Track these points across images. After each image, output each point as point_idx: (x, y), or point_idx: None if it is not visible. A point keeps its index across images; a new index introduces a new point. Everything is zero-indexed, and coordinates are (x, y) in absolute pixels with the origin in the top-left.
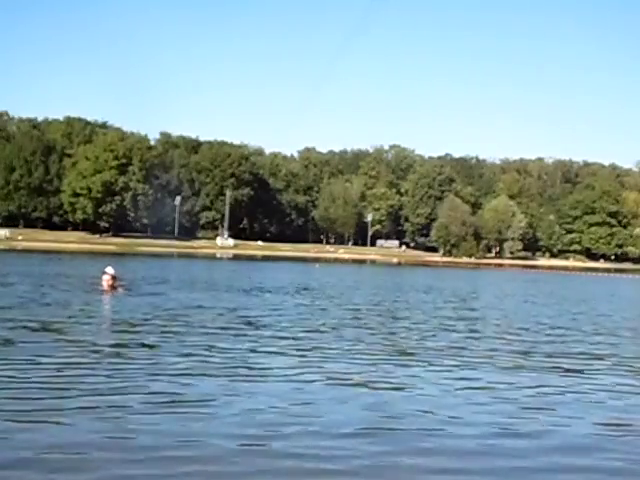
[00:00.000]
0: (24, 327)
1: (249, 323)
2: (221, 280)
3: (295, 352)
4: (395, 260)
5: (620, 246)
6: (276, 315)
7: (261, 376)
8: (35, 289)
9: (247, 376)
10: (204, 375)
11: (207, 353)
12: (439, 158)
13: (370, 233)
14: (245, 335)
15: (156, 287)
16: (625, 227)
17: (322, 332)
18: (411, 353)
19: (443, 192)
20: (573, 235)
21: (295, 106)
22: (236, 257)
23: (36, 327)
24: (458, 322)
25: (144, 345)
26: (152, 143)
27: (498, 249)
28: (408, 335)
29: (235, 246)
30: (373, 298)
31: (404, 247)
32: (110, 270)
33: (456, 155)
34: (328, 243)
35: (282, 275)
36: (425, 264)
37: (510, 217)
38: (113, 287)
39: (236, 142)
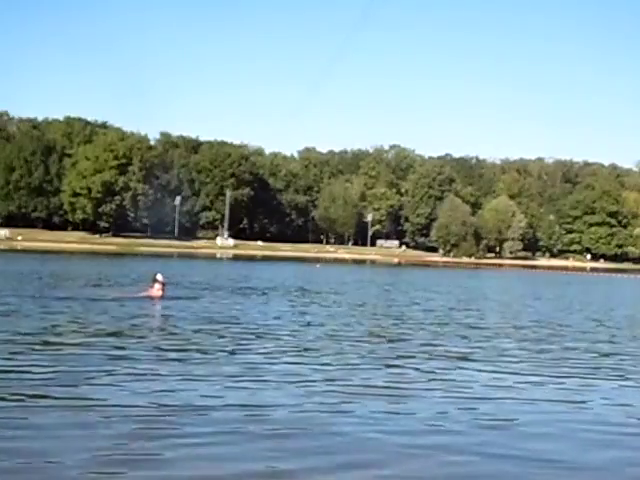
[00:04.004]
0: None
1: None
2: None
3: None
4: (395, 260)
5: (620, 246)
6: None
7: None
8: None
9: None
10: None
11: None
12: (439, 158)
13: (370, 233)
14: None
15: (192, 291)
16: (625, 227)
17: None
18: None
19: (443, 192)
20: (573, 235)
21: (295, 106)
22: (236, 257)
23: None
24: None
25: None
26: (152, 143)
27: (498, 249)
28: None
29: (235, 246)
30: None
31: (404, 247)
32: (160, 277)
33: (456, 155)
34: (328, 243)
35: (307, 276)
36: (425, 264)
37: (510, 217)
38: (162, 296)
39: (236, 142)
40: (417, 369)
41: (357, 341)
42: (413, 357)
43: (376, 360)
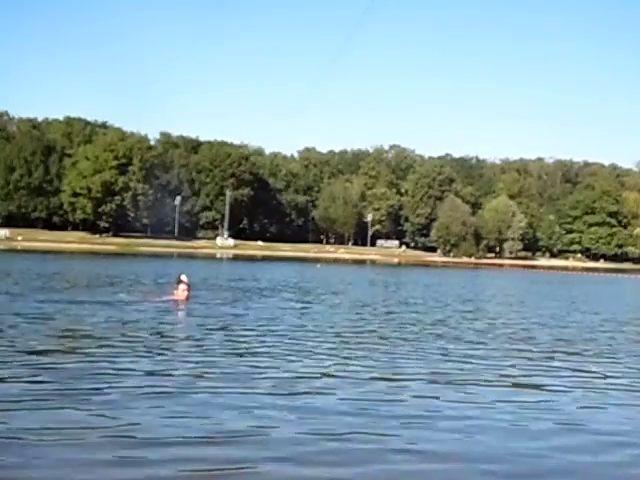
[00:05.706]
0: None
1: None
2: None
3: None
4: (395, 260)
5: (620, 246)
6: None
7: None
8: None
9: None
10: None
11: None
12: (439, 158)
13: (370, 233)
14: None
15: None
16: (625, 227)
17: None
18: None
19: (443, 192)
20: (573, 235)
21: (295, 106)
22: (236, 257)
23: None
24: None
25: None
26: (152, 143)
27: (498, 249)
28: None
29: (235, 246)
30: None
31: (404, 247)
32: (185, 278)
33: (456, 155)
34: (328, 243)
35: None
36: (425, 264)
37: (510, 217)
38: (188, 298)
39: (236, 142)
40: (423, 371)
41: (361, 343)
42: (421, 360)
43: (384, 363)
